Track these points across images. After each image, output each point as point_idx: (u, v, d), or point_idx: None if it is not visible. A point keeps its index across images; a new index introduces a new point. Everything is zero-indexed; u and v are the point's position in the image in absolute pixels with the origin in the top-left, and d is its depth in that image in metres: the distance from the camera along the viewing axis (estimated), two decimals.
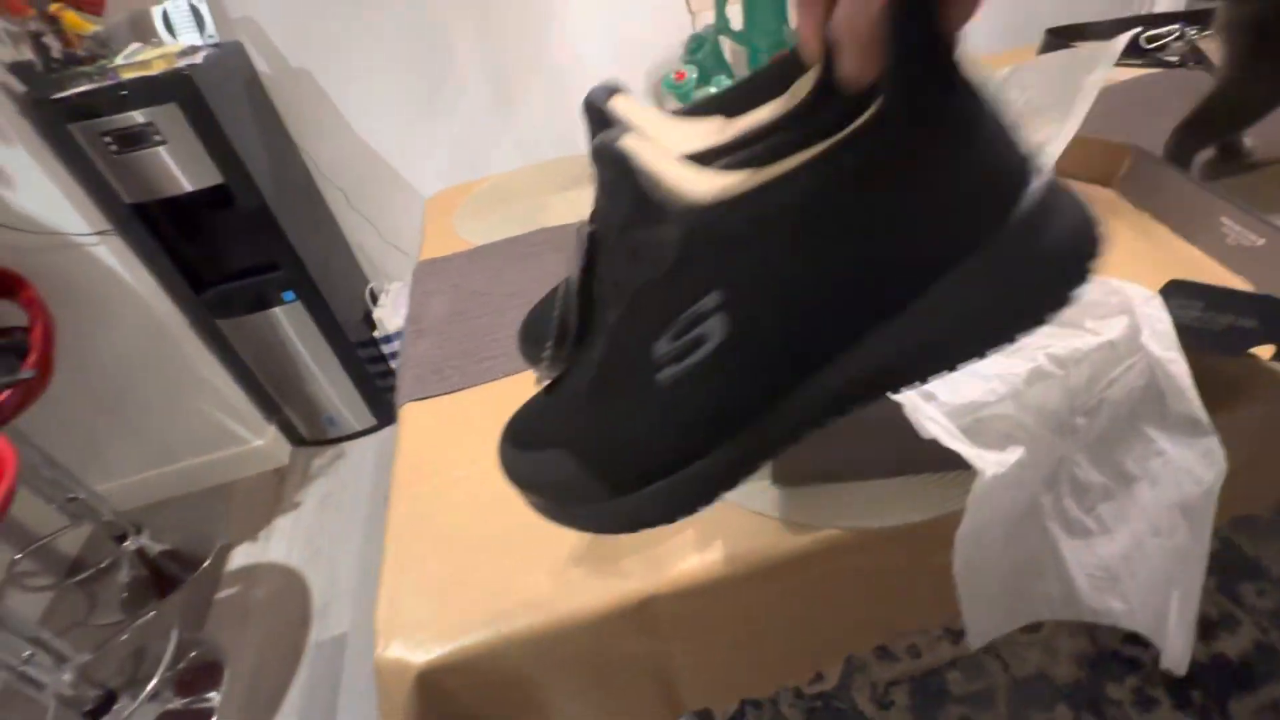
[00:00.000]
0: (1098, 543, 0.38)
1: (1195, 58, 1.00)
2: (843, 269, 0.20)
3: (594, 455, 0.27)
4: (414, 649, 0.44)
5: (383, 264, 1.73)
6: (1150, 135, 0.77)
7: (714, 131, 0.24)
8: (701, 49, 0.68)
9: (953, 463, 0.49)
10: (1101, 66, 0.40)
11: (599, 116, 0.27)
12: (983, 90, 0.18)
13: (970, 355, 0.21)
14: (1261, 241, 0.50)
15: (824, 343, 0.22)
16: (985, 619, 0.41)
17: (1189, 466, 0.33)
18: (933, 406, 0.35)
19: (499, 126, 1.58)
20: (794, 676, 0.61)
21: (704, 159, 0.22)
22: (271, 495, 1.58)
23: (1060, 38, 1.16)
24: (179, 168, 1.22)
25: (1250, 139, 0.76)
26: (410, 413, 0.65)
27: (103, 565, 1.43)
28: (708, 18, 1.39)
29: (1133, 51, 1.08)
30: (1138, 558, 0.36)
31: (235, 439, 1.59)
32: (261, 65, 1.40)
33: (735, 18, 0.67)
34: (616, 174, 0.22)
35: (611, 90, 0.27)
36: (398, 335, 1.63)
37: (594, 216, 0.27)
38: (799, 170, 0.19)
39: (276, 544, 1.47)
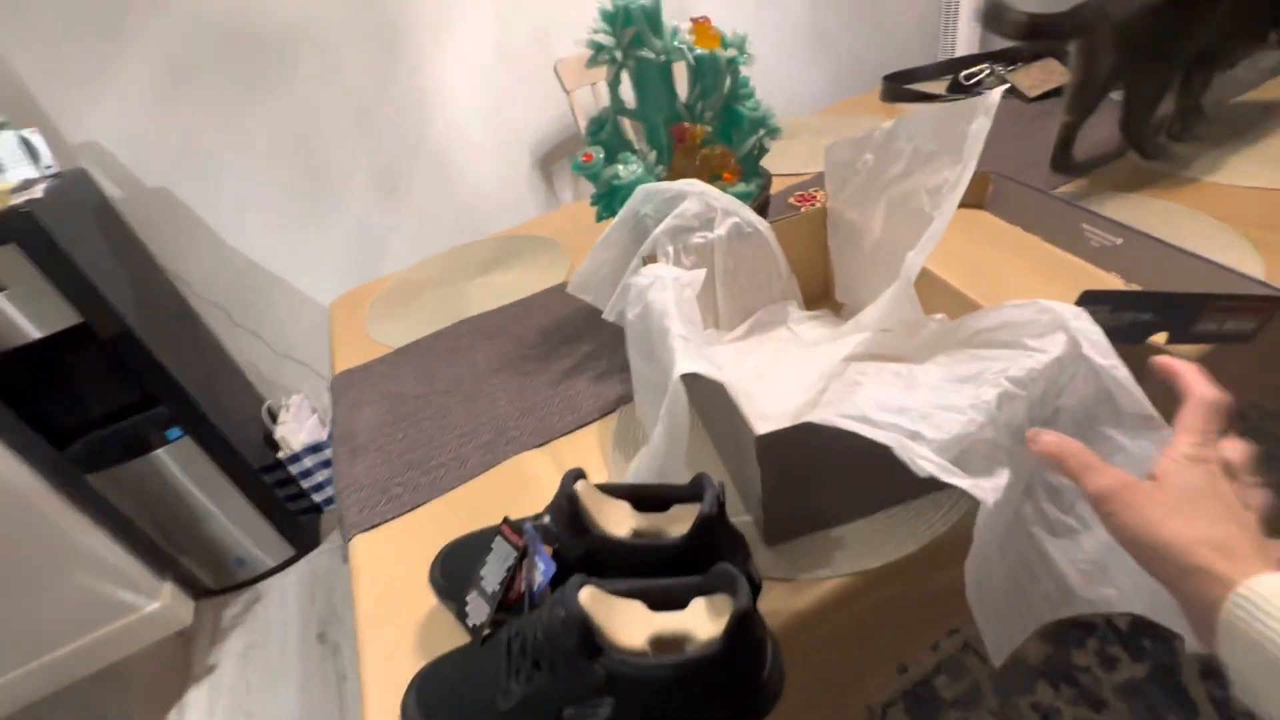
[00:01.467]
0: (1081, 538, 0.41)
1: (1008, 89, 1.16)
2: None
3: None
4: None
5: (278, 378, 1.60)
6: (999, 160, 0.88)
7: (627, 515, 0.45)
8: (603, 129, 0.70)
9: (928, 486, 0.51)
10: (981, 116, 0.45)
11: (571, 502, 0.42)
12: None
13: None
14: (1120, 241, 0.58)
15: None
16: (1001, 634, 0.42)
17: (1149, 455, 0.37)
18: (923, 446, 0.36)
19: (391, 220, 1.54)
20: None
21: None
22: (178, 663, 1.37)
23: (895, 81, 1.32)
24: (25, 313, 1.07)
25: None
26: (362, 546, 0.59)
27: None
28: (582, 95, 1.46)
29: (955, 88, 1.25)
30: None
31: (123, 608, 1.37)
32: (112, 189, 1.29)
33: (629, 98, 0.70)
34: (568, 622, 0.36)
35: (576, 476, 0.43)
36: (306, 451, 1.50)
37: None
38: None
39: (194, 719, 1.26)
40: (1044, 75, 1.13)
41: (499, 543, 0.44)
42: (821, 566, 0.47)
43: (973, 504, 0.37)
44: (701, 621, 0.37)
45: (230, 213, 1.40)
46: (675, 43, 0.69)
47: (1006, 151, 0.96)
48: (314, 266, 1.51)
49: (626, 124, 0.76)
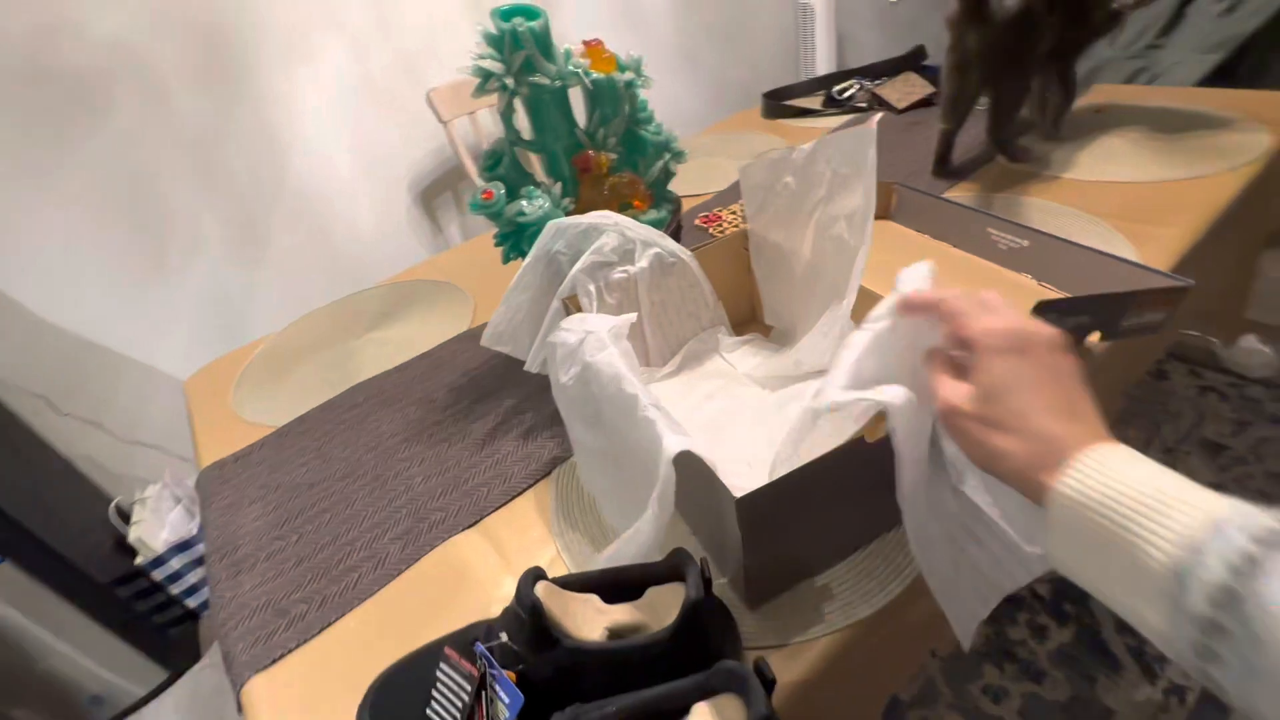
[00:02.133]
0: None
1: (877, 101, 1.23)
2: None
3: None
4: None
5: (127, 469, 1.36)
6: (883, 170, 0.91)
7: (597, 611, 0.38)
8: (500, 163, 0.64)
9: (899, 517, 0.49)
10: (870, 146, 0.45)
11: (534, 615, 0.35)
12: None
13: None
14: (1027, 243, 0.61)
15: None
16: (965, 615, 0.39)
17: None
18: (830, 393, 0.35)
19: (251, 277, 1.36)
20: None
21: None
22: None
23: (773, 99, 1.36)
24: None
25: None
26: (260, 691, 0.47)
27: None
28: (460, 126, 1.38)
29: (829, 102, 1.31)
30: None
31: None
32: None
33: (524, 128, 0.64)
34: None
35: (536, 577, 0.37)
36: (172, 552, 1.28)
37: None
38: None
39: None
40: (907, 88, 1.20)
41: (446, 672, 0.36)
42: (814, 624, 0.43)
43: None
44: None
45: (43, 282, 1.17)
46: (570, 67, 0.64)
47: (886, 161, 1.00)
48: (159, 337, 1.29)
49: (523, 155, 0.70)
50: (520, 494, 0.58)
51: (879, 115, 0.47)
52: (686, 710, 0.33)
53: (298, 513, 0.61)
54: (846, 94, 1.28)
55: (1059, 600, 1.07)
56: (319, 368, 0.84)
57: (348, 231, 1.44)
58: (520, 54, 0.61)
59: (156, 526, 1.29)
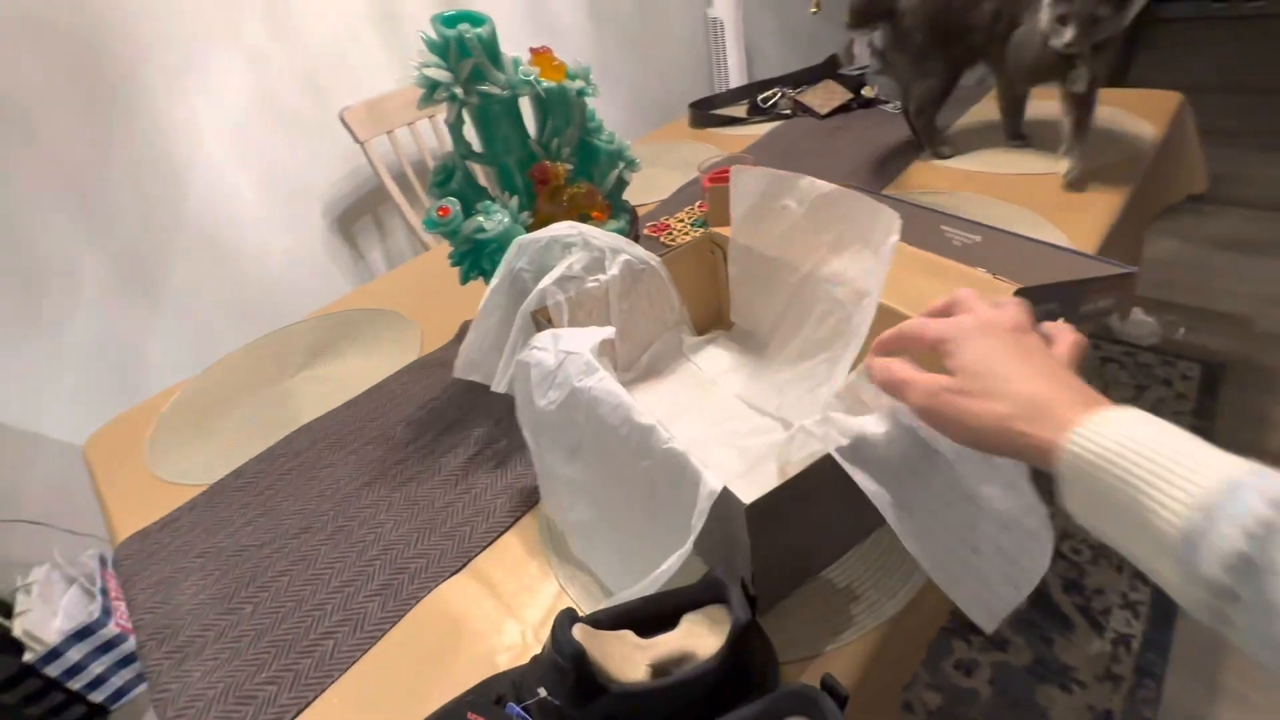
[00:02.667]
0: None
1: (801, 108, 1.27)
2: None
3: None
4: None
5: (6, 551, 1.17)
6: (831, 174, 0.94)
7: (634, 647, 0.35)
8: (452, 178, 0.60)
9: None
10: (894, 233, 0.44)
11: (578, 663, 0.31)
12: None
13: None
14: (979, 238, 0.63)
15: None
16: (994, 603, 0.38)
17: None
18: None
19: (150, 322, 1.21)
20: None
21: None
22: None
23: (700, 108, 1.38)
24: None
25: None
26: None
27: None
28: (379, 145, 1.30)
29: (753, 110, 1.34)
30: None
31: None
32: None
33: (474, 140, 0.61)
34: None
35: (571, 619, 0.33)
36: (69, 642, 1.11)
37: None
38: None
39: None
40: (828, 95, 1.25)
41: None
42: (844, 629, 0.42)
43: None
44: None
45: None
46: (520, 75, 0.61)
47: (820, 164, 1.04)
48: (36, 396, 1.13)
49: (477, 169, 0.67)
50: (507, 529, 0.54)
51: (896, 216, 0.46)
52: None
53: (249, 580, 0.54)
54: (770, 102, 1.31)
55: None
56: (250, 414, 0.75)
57: (258, 264, 1.32)
58: (468, 62, 0.57)
59: (47, 615, 1.12)
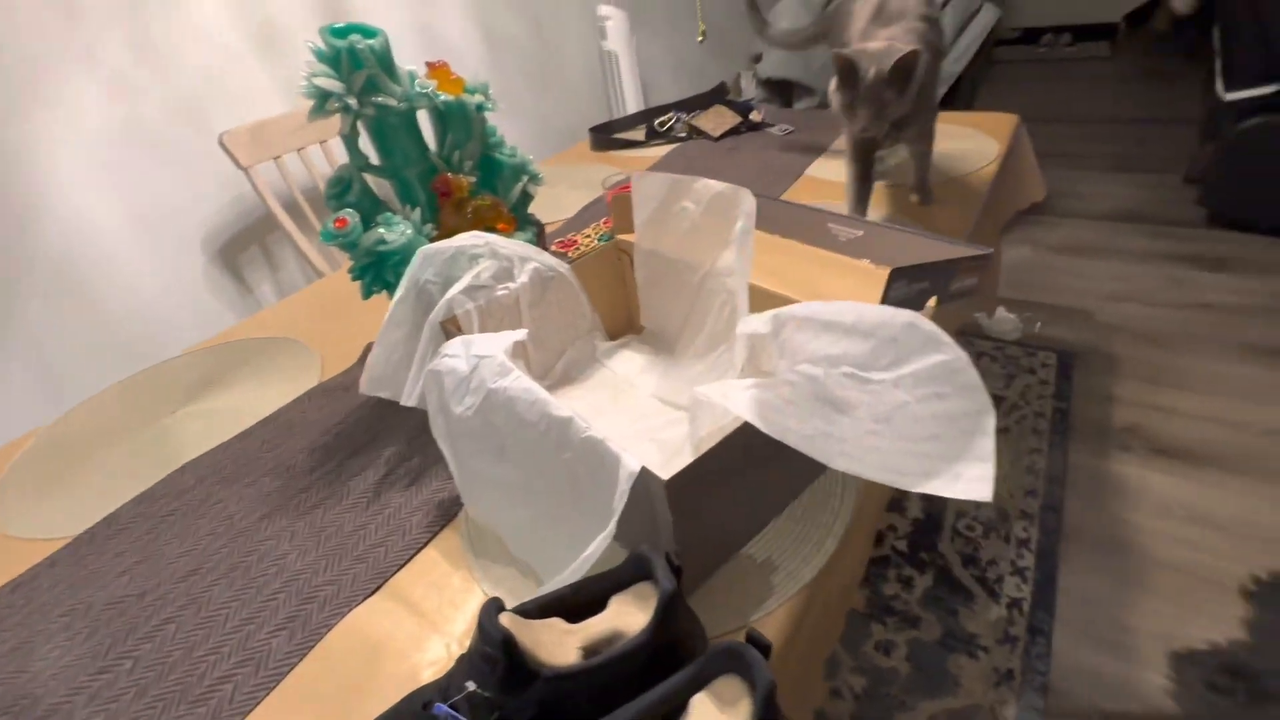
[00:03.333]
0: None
1: (695, 131, 1.34)
2: None
3: None
4: None
5: None
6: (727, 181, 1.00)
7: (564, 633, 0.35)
8: (349, 190, 0.58)
9: (812, 474, 0.52)
10: (750, 207, 0.49)
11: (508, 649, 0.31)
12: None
13: None
14: (861, 233, 0.69)
15: None
16: (963, 473, 0.34)
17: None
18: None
19: None
20: None
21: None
22: None
23: (600, 133, 1.42)
24: None
25: None
26: None
27: None
28: (265, 171, 1.24)
29: (651, 134, 1.40)
30: None
31: None
32: None
33: (371, 154, 0.60)
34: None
35: (497, 608, 0.32)
36: None
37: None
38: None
39: None
40: (720, 119, 1.33)
41: None
42: (767, 598, 0.43)
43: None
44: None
45: None
46: (416, 88, 0.61)
47: (729, 173, 1.10)
48: None
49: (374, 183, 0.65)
50: (425, 545, 0.52)
51: (751, 196, 0.50)
52: (684, 708, 0.31)
53: (127, 633, 0.48)
54: (666, 126, 1.38)
55: (915, 551, 1.21)
56: (122, 457, 0.68)
57: (125, 301, 1.20)
58: (361, 73, 0.56)
59: None
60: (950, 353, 0.33)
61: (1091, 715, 0.93)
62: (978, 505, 1.27)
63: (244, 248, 1.37)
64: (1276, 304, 1.63)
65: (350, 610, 0.47)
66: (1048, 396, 1.48)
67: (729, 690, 0.31)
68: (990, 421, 0.32)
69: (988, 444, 0.32)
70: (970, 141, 1.09)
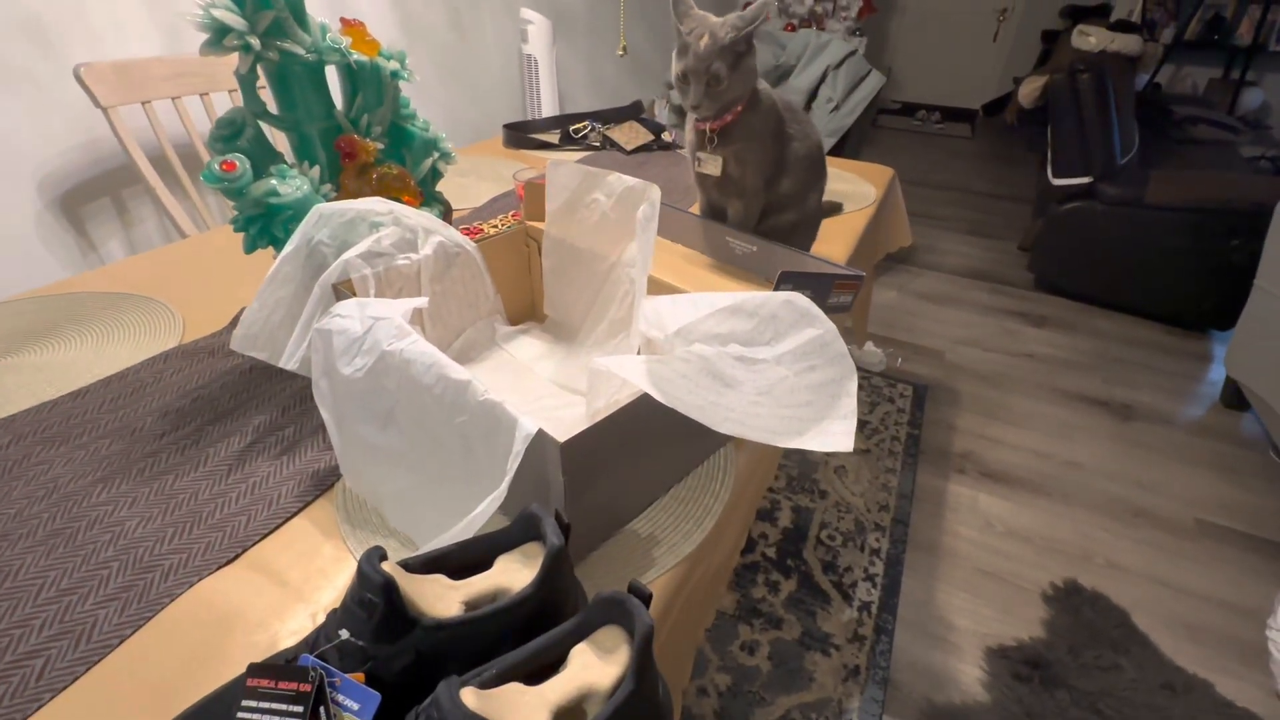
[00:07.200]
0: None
1: (609, 142, 1.38)
2: None
3: None
4: None
5: None
6: None
7: (447, 588, 0.34)
8: (241, 134, 0.54)
9: (702, 454, 0.55)
10: (648, 203, 0.52)
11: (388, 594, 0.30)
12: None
13: None
14: (755, 248, 0.75)
15: None
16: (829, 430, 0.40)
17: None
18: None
19: None
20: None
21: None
22: None
23: (516, 130, 1.42)
24: None
25: None
26: None
27: None
28: (129, 115, 1.11)
29: (565, 139, 1.42)
30: None
31: None
32: None
33: (269, 102, 0.57)
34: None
35: (379, 556, 0.31)
36: None
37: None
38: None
39: None
40: (633, 134, 1.38)
41: (254, 707, 0.29)
42: (649, 569, 0.45)
43: (746, 459, 0.40)
44: (596, 673, 0.31)
45: None
46: (328, 42, 0.59)
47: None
48: None
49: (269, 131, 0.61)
50: (295, 514, 0.49)
51: (658, 192, 0.53)
52: (565, 659, 0.32)
53: None
54: (581, 134, 1.40)
55: (783, 558, 1.29)
56: None
57: None
58: (268, 14, 0.53)
59: None
60: (822, 326, 0.37)
61: (921, 705, 1.03)
62: (840, 516, 1.38)
63: (93, 197, 1.21)
64: (1080, 359, 1.93)
65: (200, 579, 0.43)
66: (904, 423, 1.65)
67: (609, 639, 0.32)
68: (853, 385, 0.37)
69: (850, 403, 0.36)
70: (852, 185, 1.21)
